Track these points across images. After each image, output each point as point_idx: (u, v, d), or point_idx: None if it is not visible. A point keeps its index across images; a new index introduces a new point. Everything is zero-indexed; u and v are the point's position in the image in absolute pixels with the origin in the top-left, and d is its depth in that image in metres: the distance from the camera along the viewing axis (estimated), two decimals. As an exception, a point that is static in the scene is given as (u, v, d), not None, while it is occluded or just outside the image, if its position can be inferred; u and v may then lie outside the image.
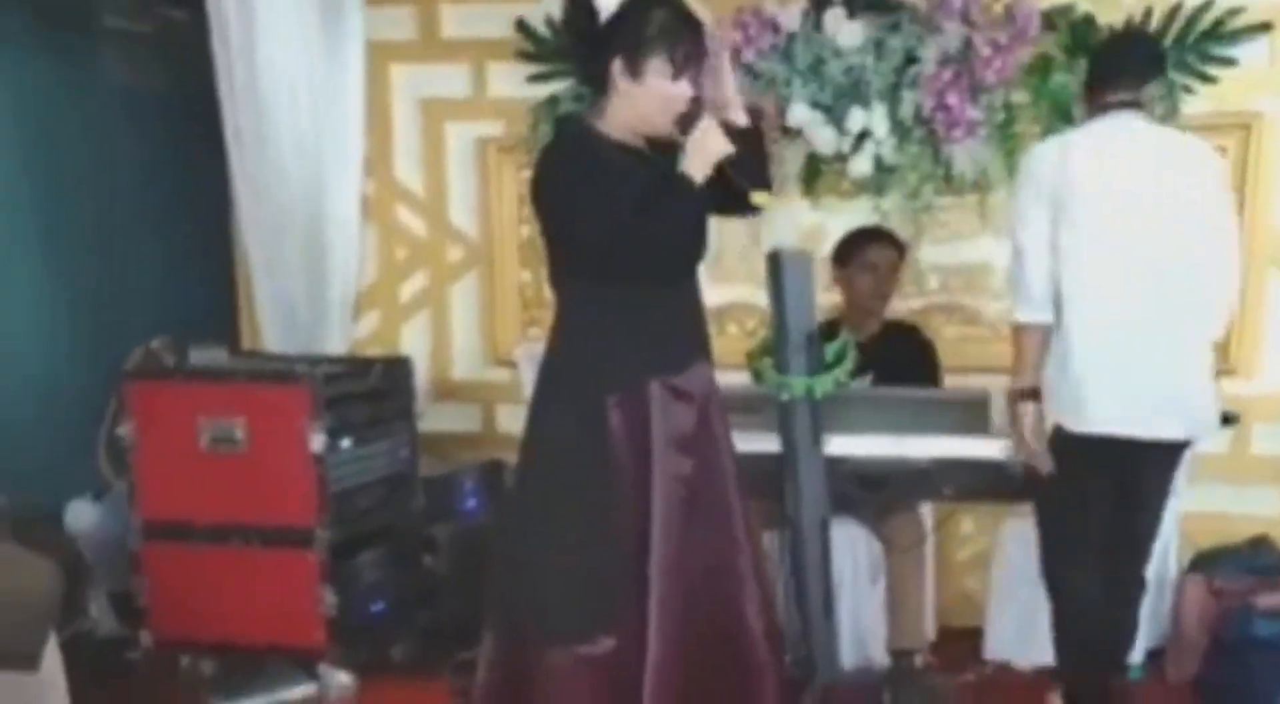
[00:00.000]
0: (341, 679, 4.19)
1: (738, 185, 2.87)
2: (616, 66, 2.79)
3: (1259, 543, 4.26)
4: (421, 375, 4.85)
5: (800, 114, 4.46)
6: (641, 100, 2.80)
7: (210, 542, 4.24)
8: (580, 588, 2.85)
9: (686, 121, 2.83)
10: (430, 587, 4.56)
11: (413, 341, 5.22)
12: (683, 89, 2.79)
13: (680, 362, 2.95)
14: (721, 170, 2.82)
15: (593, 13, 2.80)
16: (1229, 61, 4.30)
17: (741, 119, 2.92)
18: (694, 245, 2.82)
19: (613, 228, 2.71)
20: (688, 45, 2.80)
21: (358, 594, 4.30)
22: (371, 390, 4.46)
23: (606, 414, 2.82)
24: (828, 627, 3.57)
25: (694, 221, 2.80)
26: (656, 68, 2.77)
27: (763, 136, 3.08)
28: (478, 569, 4.67)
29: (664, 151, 2.91)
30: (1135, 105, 3.39)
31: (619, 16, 2.78)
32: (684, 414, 2.93)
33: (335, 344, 4.98)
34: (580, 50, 2.95)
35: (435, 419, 5.01)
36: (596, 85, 2.88)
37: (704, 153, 2.78)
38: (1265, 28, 4.26)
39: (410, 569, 4.53)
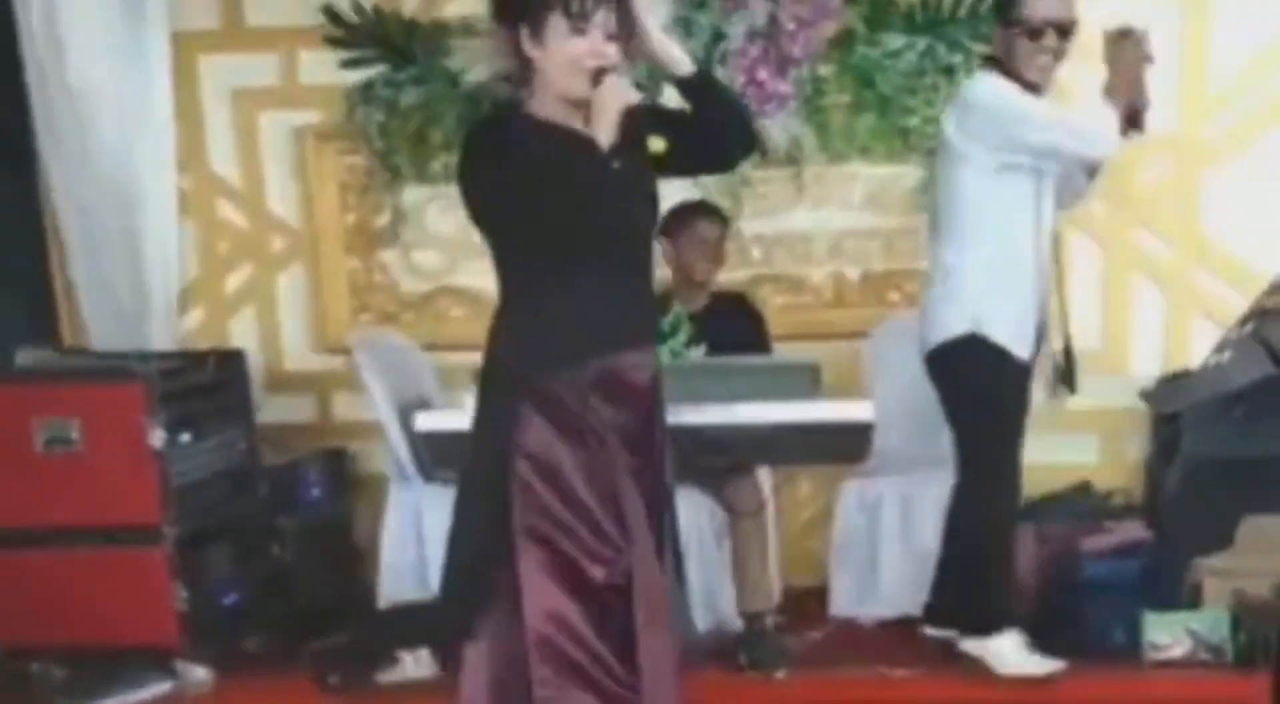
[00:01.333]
0: (198, 674, 4.28)
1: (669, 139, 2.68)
2: (524, 37, 2.61)
3: (1082, 489, 4.58)
4: (254, 367, 4.90)
5: (616, 92, 4.56)
6: (551, 67, 2.61)
7: (54, 545, 4.28)
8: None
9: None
10: (280, 577, 4.67)
11: (242, 334, 5.28)
12: (589, 45, 2.57)
13: (616, 345, 2.75)
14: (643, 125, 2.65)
15: None
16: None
17: (683, 67, 2.70)
18: (607, 217, 2.63)
19: (510, 207, 2.61)
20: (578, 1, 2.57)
21: (208, 588, 4.38)
22: (207, 384, 4.55)
23: (517, 420, 2.66)
24: (680, 592, 3.73)
25: (606, 192, 2.61)
26: (556, 27, 2.56)
27: (715, 83, 2.90)
28: (326, 557, 4.77)
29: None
30: None
31: None
32: (628, 405, 2.80)
33: (162, 341, 5.03)
34: (498, 32, 2.73)
35: (272, 410, 5.08)
36: (520, 63, 2.68)
37: (603, 110, 2.56)
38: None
39: (259, 560, 4.62)
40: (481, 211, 2.71)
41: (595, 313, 2.67)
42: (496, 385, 2.74)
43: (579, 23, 2.54)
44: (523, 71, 2.69)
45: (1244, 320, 3.90)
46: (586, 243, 2.63)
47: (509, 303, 2.77)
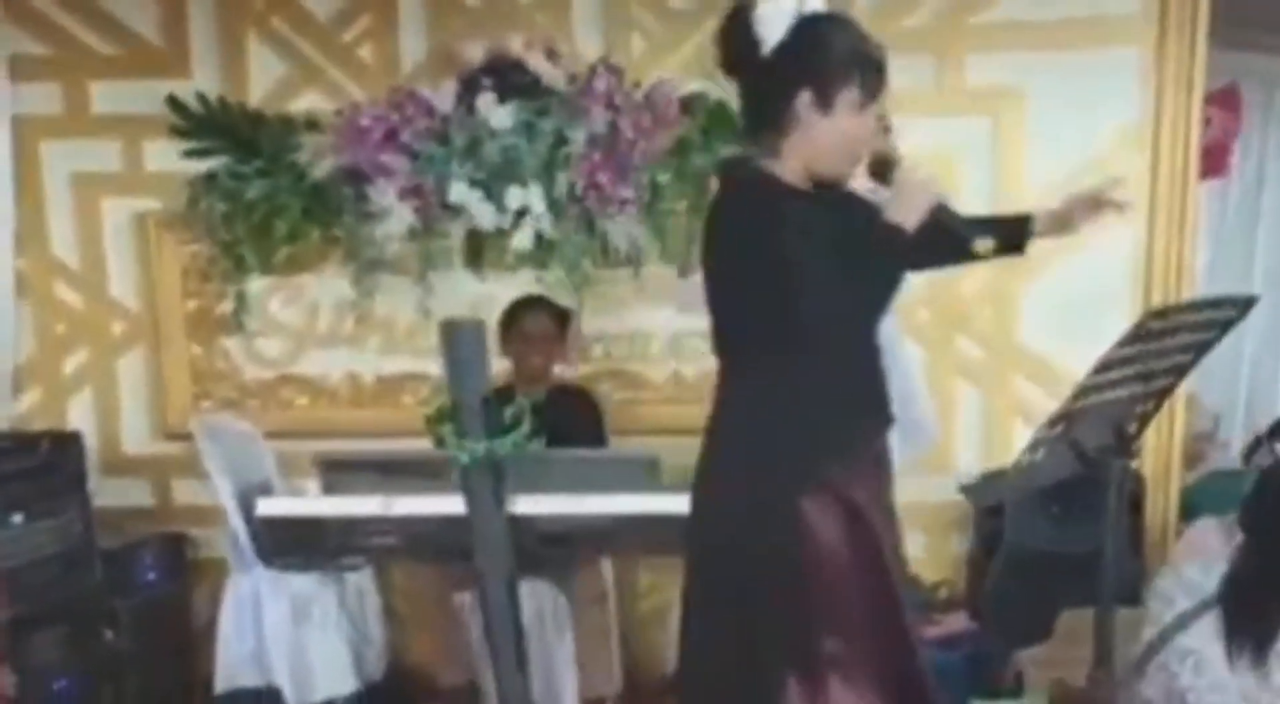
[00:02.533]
0: (26, 760, 4.21)
1: (960, 234, 2.56)
2: (804, 99, 2.48)
3: (909, 581, 4.67)
4: (92, 450, 4.92)
5: (460, 192, 4.82)
6: (827, 137, 2.51)
7: (-124, 628, 4.26)
8: None
9: (882, 163, 2.59)
10: (114, 662, 4.72)
11: (80, 417, 5.35)
12: (870, 126, 2.54)
13: (883, 419, 2.71)
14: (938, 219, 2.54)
15: (754, 43, 2.51)
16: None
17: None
18: (891, 301, 2.54)
19: (817, 289, 2.43)
20: (876, 73, 2.54)
21: (38, 672, 4.42)
22: (40, 465, 4.61)
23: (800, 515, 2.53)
24: (520, 680, 3.83)
25: (900, 276, 2.51)
26: (848, 99, 2.49)
27: None
28: (162, 642, 4.76)
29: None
30: None
31: (799, 42, 2.48)
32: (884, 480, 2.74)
33: None
34: (748, 85, 2.61)
35: (110, 494, 5.13)
36: (767, 122, 2.56)
37: (912, 198, 2.48)
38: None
39: (92, 644, 4.67)
40: (748, 279, 2.54)
41: (865, 386, 2.65)
42: (767, 479, 2.58)
43: (868, 100, 2.50)
44: (777, 133, 2.57)
45: (1053, 421, 4.14)
46: (857, 324, 2.58)
47: (772, 383, 2.60)
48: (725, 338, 2.74)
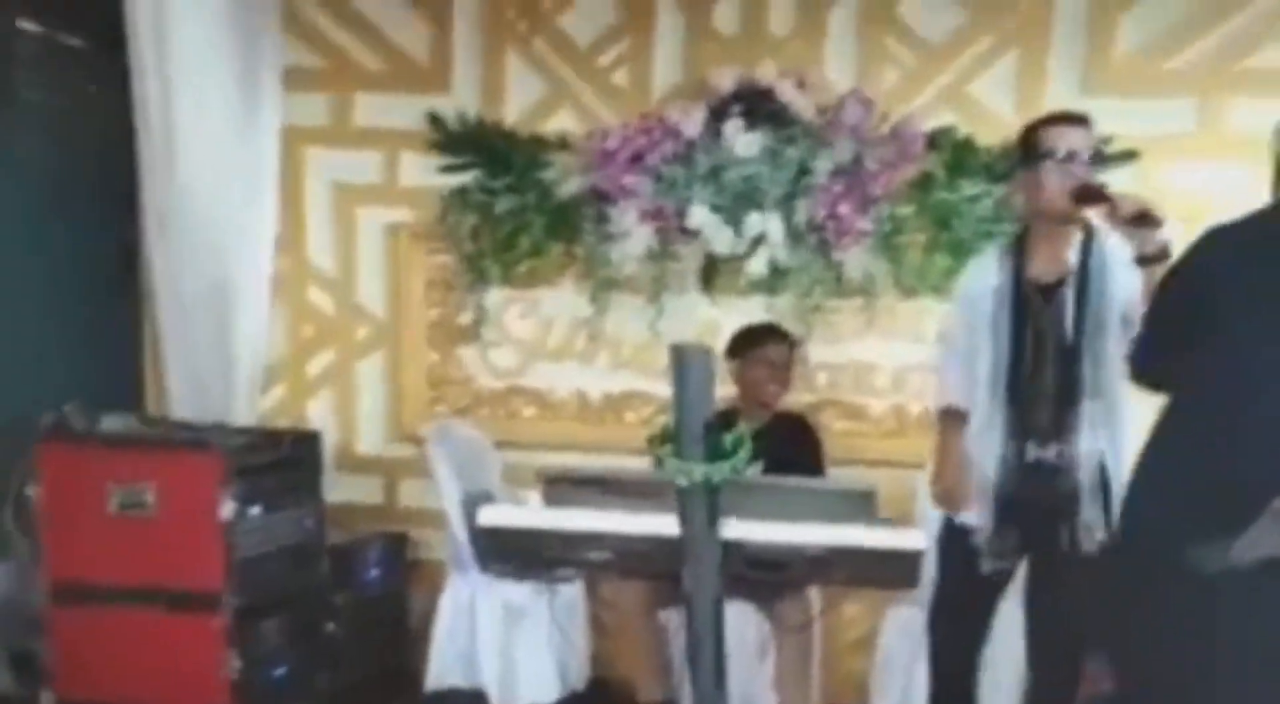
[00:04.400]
0: (244, 741, 4.33)
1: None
2: None
3: None
4: (328, 448, 5.09)
5: (699, 216, 4.84)
6: None
7: (117, 604, 4.47)
8: None
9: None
10: (331, 653, 4.83)
11: (319, 415, 5.53)
12: None
13: None
14: None
15: None
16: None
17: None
18: None
19: None
20: None
21: (261, 658, 4.54)
22: (281, 461, 4.74)
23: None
24: (719, 699, 3.76)
25: None
26: None
27: None
28: (378, 636, 4.85)
29: None
30: None
31: None
32: None
33: (242, 415, 5.26)
34: None
35: (340, 491, 5.27)
36: None
37: None
38: (1133, 156, 4.68)
39: (312, 635, 4.78)
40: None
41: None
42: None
43: None
44: None
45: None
46: None
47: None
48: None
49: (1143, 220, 3.25)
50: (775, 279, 4.84)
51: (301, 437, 4.92)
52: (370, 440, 5.50)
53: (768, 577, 4.14)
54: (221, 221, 5.05)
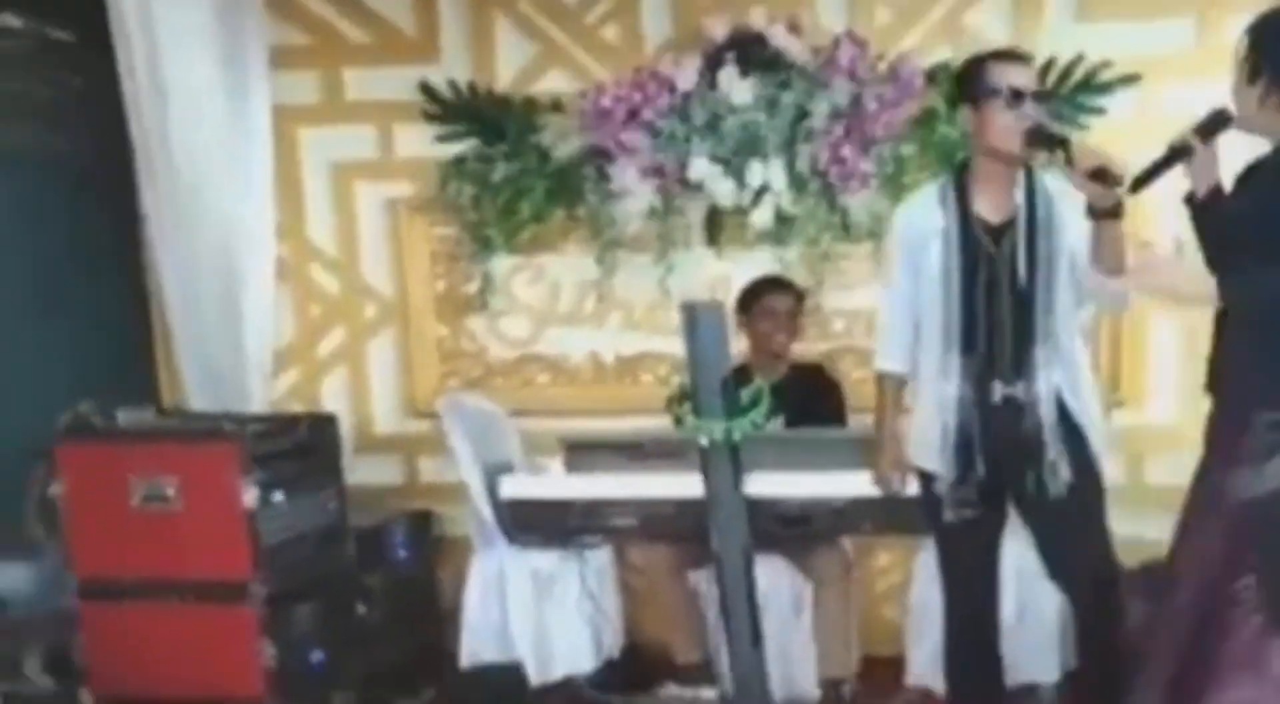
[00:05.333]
0: (284, 729, 4.33)
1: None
2: None
3: (1148, 569, 4.44)
4: (344, 429, 5.05)
5: (700, 169, 4.78)
6: None
7: (147, 599, 4.47)
8: None
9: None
10: (366, 635, 4.81)
11: (332, 397, 5.48)
12: None
13: None
14: None
15: None
16: (1100, 111, 4.69)
17: None
18: None
19: None
20: None
21: (295, 645, 4.52)
22: (300, 445, 4.71)
23: None
24: (756, 657, 3.76)
25: None
26: None
27: None
28: (410, 616, 4.83)
29: None
30: None
31: None
32: None
33: (256, 401, 5.22)
34: None
35: (360, 472, 5.23)
36: None
37: None
38: (1133, 79, 4.63)
39: (345, 618, 4.76)
40: None
41: None
42: None
43: None
44: None
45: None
46: None
47: None
48: None
49: (1101, 176, 3.16)
50: (782, 228, 4.77)
51: (318, 419, 4.89)
52: (386, 419, 5.46)
53: (796, 531, 4.16)
54: (220, 209, 4.99)
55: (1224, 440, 3.03)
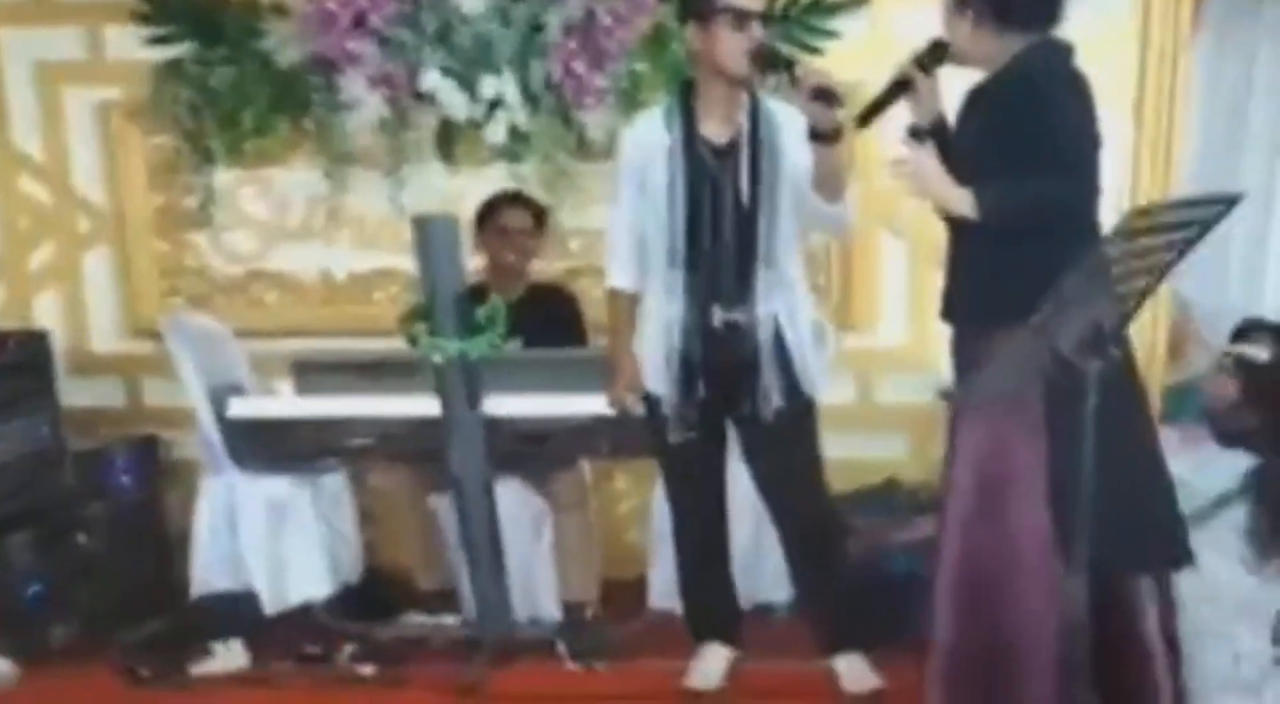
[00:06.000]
0: (0, 667, 4.16)
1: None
2: None
3: (890, 485, 4.75)
4: (59, 349, 4.83)
5: (432, 80, 4.66)
6: None
7: None
8: None
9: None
10: (87, 566, 4.61)
11: (45, 315, 5.20)
12: None
13: None
14: None
15: None
16: (832, 33, 4.73)
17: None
18: None
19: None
20: None
21: (10, 578, 4.31)
22: (8, 365, 4.49)
23: None
24: (498, 582, 3.77)
25: None
26: None
27: None
28: (136, 546, 4.67)
29: None
30: None
31: None
32: None
33: None
34: None
35: (79, 395, 5.02)
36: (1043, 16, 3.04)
37: None
38: (862, 1, 4.70)
39: (64, 549, 4.54)
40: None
41: None
42: None
43: None
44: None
45: (1034, 328, 4.05)
46: None
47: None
48: None
49: (822, 96, 3.24)
50: (516, 144, 4.70)
51: (27, 337, 4.64)
52: (104, 338, 5.20)
53: (534, 451, 4.16)
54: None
55: (969, 351, 3.15)
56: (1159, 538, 3.06)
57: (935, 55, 3.14)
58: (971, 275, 3.12)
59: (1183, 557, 3.09)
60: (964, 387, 3.21)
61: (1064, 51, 3.04)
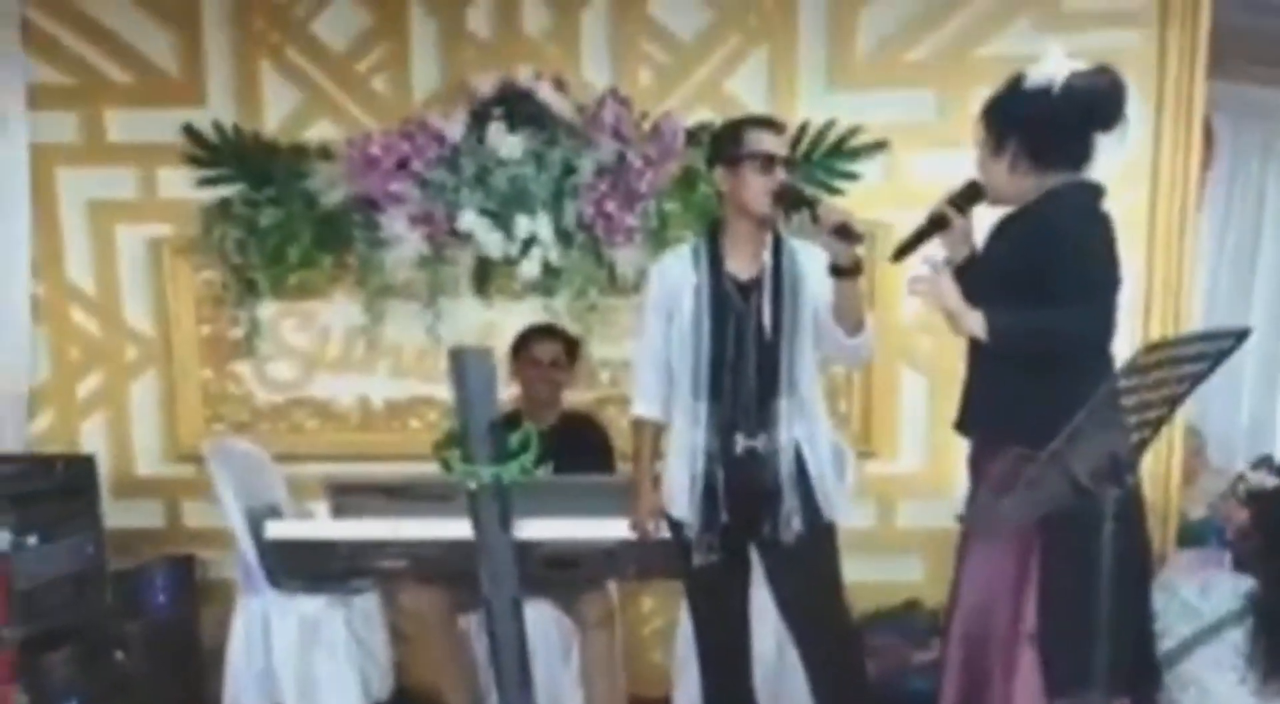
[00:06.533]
0: (36, 779, 4.22)
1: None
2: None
3: (910, 606, 4.85)
4: (104, 473, 5.00)
5: (469, 220, 4.88)
6: None
7: (-103, 646, 4.36)
8: None
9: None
10: (124, 683, 4.74)
11: (91, 439, 5.38)
12: None
13: None
14: None
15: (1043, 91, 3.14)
16: (852, 175, 4.94)
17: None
18: None
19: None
20: None
21: (49, 692, 4.44)
22: (55, 488, 4.65)
23: None
24: (525, 700, 3.82)
25: None
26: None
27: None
28: (171, 663, 4.76)
29: None
30: None
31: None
32: None
33: (9, 443, 5.12)
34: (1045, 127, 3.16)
35: (120, 516, 5.16)
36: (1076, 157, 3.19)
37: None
38: (881, 146, 4.91)
39: (102, 665, 4.68)
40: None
41: None
42: None
43: None
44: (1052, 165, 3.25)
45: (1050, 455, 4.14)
46: None
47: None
48: None
49: (842, 233, 3.41)
50: (549, 279, 4.91)
51: (75, 461, 4.81)
52: (148, 462, 5.38)
53: (563, 574, 4.26)
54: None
55: (986, 469, 3.27)
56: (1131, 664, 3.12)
57: (970, 195, 3.34)
58: (986, 392, 3.28)
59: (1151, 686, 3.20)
60: (973, 511, 3.33)
61: (1093, 191, 3.20)
